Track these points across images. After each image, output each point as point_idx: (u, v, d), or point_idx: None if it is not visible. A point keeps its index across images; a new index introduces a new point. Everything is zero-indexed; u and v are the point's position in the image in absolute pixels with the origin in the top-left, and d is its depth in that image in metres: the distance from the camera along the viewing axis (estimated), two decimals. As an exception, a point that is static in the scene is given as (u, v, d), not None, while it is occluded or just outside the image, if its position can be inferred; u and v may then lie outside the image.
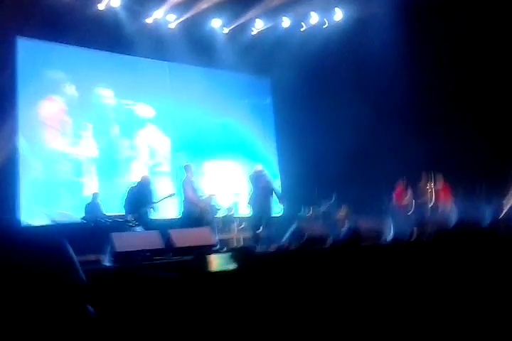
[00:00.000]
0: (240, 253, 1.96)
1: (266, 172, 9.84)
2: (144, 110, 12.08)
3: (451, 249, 1.91)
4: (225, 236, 9.83)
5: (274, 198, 9.53)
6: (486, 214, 10.38)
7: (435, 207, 11.48)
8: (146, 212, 8.72)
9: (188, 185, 9.25)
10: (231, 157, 12.90)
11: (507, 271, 1.67)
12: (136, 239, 6.93)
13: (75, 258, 1.52)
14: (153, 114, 12.18)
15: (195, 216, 9.03)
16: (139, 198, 8.68)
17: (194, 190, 9.23)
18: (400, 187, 11.71)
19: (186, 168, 9.49)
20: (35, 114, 10.36)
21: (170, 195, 9.40)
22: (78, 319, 1.46)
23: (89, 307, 1.71)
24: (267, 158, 13.64)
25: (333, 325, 1.63)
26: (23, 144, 9.96)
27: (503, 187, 11.10)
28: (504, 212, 10.45)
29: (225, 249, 7.75)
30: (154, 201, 8.92)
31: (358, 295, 1.68)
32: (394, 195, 11.81)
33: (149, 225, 8.51)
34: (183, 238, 7.14)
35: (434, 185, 11.56)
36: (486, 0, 10.86)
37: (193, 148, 12.43)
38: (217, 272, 2.46)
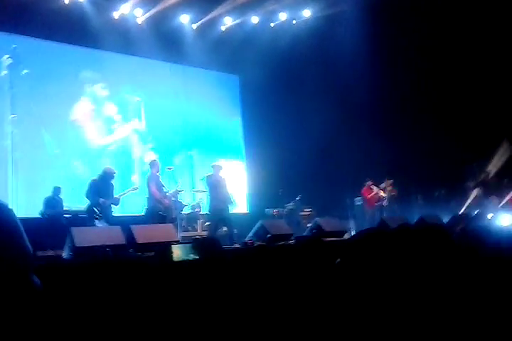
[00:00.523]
0: (203, 244, 1.92)
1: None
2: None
3: (411, 242, 1.96)
4: (188, 233, 9.76)
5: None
6: (446, 212, 10.62)
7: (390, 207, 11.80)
8: (109, 207, 8.56)
9: (153, 181, 9.11)
10: (197, 154, 12.84)
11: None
12: (96, 234, 6.80)
13: (21, 226, 1.45)
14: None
15: (159, 213, 8.90)
16: (100, 191, 8.50)
17: (159, 187, 9.09)
18: (366, 186, 11.88)
19: (151, 163, 9.33)
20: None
21: (133, 189, 9.26)
22: (23, 288, 1.40)
23: (35, 278, 1.65)
24: (234, 156, 13.63)
25: (292, 317, 1.62)
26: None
27: (462, 188, 11.39)
28: (464, 208, 10.72)
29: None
30: (116, 195, 8.76)
31: (318, 289, 1.67)
32: (362, 194, 11.97)
33: (111, 220, 8.36)
34: (145, 234, 7.04)
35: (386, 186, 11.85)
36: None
37: (161, 143, 12.33)
38: (179, 262, 2.43)
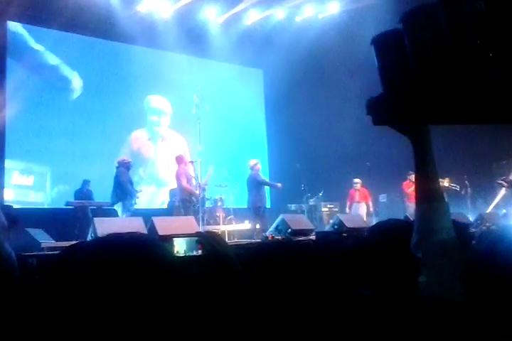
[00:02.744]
0: (207, 238, 1.85)
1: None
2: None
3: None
4: (210, 227, 9.79)
5: None
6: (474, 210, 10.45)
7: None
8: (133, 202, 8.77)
9: (182, 175, 9.35)
10: (222, 151, 12.87)
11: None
12: (118, 225, 6.83)
13: None
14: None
15: (186, 205, 9.13)
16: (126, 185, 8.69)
17: (188, 180, 9.33)
18: (408, 180, 11.75)
19: (178, 159, 9.58)
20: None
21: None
22: None
23: (7, 246, 1.64)
24: (257, 151, 13.61)
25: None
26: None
27: (490, 186, 11.16)
28: (491, 207, 10.51)
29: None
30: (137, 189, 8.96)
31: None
32: (402, 189, 11.85)
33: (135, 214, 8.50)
34: (167, 226, 7.05)
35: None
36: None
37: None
38: (181, 257, 2.39)
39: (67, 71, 10.92)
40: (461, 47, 0.96)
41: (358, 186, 11.69)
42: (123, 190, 8.85)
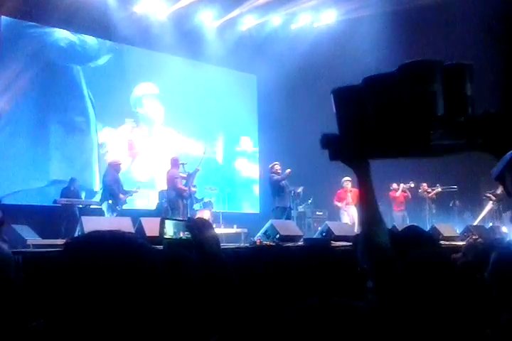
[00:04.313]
0: (196, 224, 1.88)
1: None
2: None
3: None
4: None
5: None
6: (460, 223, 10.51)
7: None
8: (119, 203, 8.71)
9: (176, 176, 9.37)
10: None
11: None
12: (106, 224, 6.80)
13: None
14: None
15: (172, 208, 9.11)
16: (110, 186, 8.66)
17: (180, 182, 9.36)
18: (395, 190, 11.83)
19: (173, 161, 9.58)
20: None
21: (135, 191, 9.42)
22: None
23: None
24: (249, 156, 13.62)
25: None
26: None
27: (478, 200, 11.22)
28: (478, 220, 10.57)
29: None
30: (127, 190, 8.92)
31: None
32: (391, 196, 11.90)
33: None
34: (155, 227, 7.01)
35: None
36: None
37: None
38: (168, 239, 2.38)
39: (59, 68, 10.85)
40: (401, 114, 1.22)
41: (349, 185, 10.76)
42: (107, 190, 8.82)
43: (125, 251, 1.16)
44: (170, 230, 2.14)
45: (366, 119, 1.31)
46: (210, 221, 9.97)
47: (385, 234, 1.55)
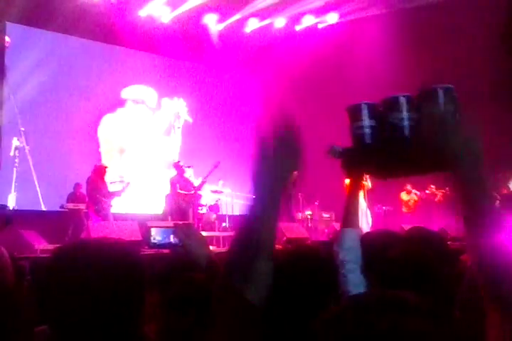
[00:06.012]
0: (182, 229, 1.98)
1: None
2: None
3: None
4: (206, 233, 9.75)
5: None
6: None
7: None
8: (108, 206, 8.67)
9: (175, 181, 9.39)
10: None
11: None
12: (113, 229, 6.81)
13: None
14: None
15: (179, 212, 9.15)
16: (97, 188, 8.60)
17: (182, 187, 9.36)
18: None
19: (176, 165, 9.59)
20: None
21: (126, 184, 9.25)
22: None
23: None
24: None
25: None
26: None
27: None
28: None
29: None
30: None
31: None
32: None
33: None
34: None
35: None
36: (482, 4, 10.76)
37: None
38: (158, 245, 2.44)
39: (64, 73, 10.88)
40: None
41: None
42: (89, 198, 8.73)
43: (108, 259, 1.19)
44: (158, 236, 2.21)
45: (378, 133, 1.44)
46: (216, 224, 10.05)
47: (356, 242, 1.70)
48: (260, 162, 1.22)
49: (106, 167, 9.07)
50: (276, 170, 1.22)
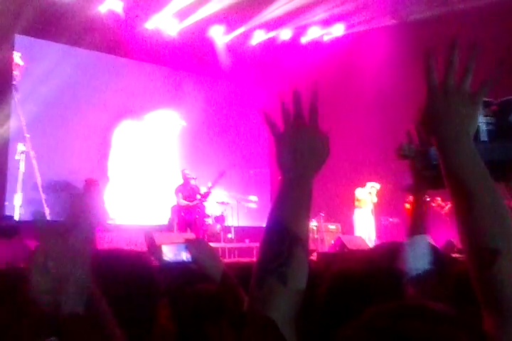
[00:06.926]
0: (194, 245, 1.94)
1: None
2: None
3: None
4: (212, 245, 9.72)
5: None
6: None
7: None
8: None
9: (179, 191, 9.39)
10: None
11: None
12: (119, 239, 6.81)
13: None
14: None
15: (185, 222, 9.15)
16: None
17: (185, 196, 9.34)
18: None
19: (182, 175, 9.63)
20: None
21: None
22: None
23: None
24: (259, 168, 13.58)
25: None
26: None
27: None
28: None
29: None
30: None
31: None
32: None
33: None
34: (167, 242, 7.02)
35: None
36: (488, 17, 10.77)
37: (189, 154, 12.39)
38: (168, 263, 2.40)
39: (71, 84, 10.94)
40: None
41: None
42: None
43: (125, 269, 1.18)
44: (170, 253, 2.15)
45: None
46: (221, 235, 10.03)
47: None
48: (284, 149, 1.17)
49: (96, 181, 8.99)
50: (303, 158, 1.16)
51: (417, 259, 1.54)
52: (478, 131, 1.29)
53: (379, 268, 1.38)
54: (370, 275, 1.32)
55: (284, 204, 1.11)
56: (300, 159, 1.16)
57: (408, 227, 1.69)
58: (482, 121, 1.31)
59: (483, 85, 1.14)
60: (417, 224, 1.69)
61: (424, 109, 1.12)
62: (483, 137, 1.31)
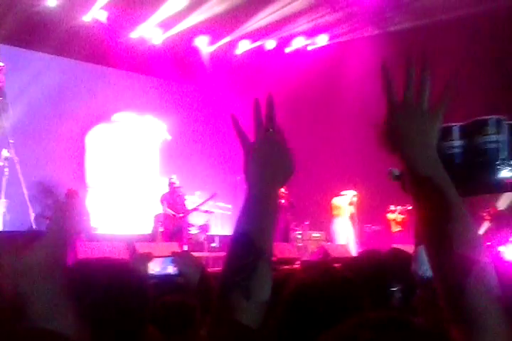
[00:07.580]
0: (181, 258, 1.93)
1: None
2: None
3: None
4: (195, 254, 9.67)
5: None
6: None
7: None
8: None
9: (164, 199, 9.35)
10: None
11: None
12: (101, 249, 6.75)
13: None
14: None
15: (169, 231, 9.11)
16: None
17: (171, 205, 9.31)
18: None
19: (169, 181, 9.60)
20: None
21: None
22: None
23: None
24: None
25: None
26: None
27: (474, 218, 11.12)
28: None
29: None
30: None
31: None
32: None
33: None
34: (150, 251, 6.98)
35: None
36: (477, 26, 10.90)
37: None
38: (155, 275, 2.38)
39: (55, 93, 10.88)
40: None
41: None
42: None
43: (114, 278, 1.17)
44: (156, 266, 2.14)
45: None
46: (204, 245, 9.99)
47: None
48: (250, 162, 1.18)
49: (75, 191, 8.92)
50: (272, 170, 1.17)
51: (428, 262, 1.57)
52: (452, 155, 1.35)
53: (335, 278, 1.40)
54: (328, 286, 1.34)
55: (249, 218, 1.13)
56: (267, 174, 1.16)
57: (415, 231, 1.70)
58: (455, 145, 1.36)
59: (442, 100, 1.17)
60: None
61: (385, 127, 1.13)
62: (458, 159, 1.35)
